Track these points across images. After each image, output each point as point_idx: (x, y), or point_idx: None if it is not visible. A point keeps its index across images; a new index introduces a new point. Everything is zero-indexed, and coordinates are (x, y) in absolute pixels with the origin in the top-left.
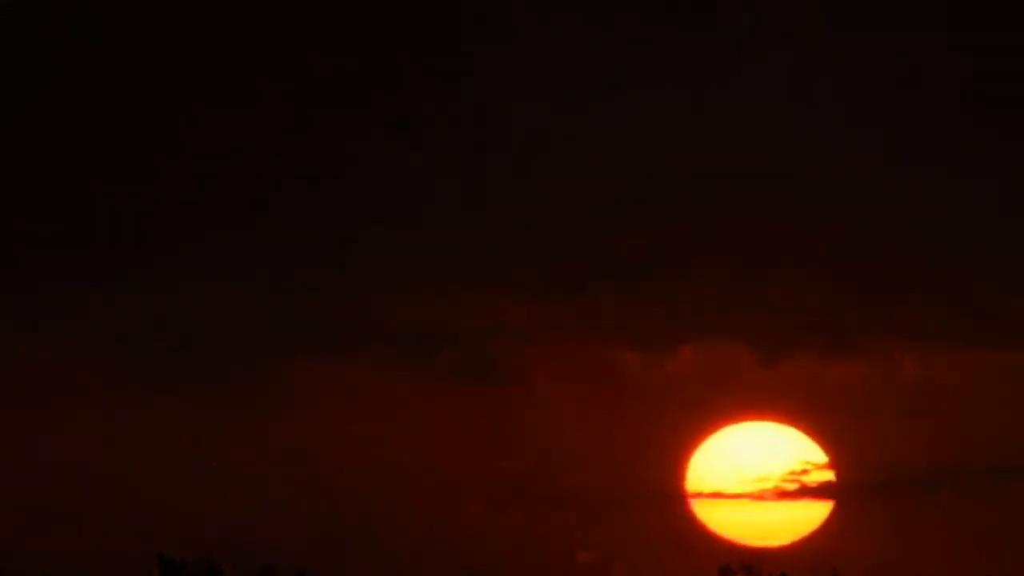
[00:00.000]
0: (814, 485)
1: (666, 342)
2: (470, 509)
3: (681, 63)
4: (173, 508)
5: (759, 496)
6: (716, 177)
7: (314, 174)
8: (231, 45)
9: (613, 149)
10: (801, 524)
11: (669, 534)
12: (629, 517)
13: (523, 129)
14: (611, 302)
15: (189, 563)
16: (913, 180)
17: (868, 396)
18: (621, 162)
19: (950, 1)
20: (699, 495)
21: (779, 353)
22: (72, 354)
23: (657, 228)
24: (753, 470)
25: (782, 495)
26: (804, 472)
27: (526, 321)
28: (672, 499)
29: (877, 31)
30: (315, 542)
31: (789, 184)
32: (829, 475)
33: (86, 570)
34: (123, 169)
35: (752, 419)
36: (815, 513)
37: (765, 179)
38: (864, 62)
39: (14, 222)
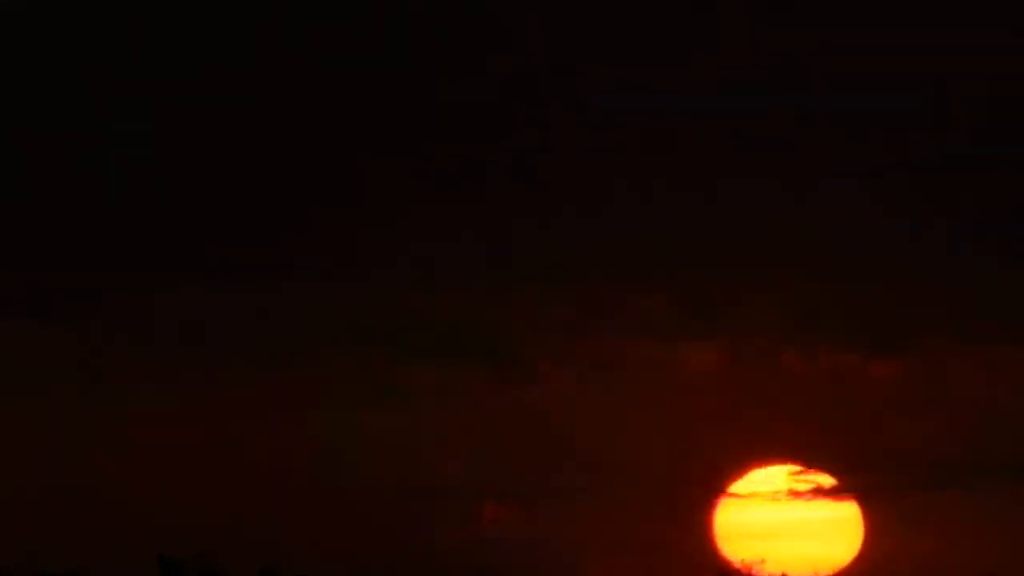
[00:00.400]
0: (829, 487)
1: (697, 339)
2: (475, 511)
3: (687, 69)
4: (173, 508)
5: (773, 497)
6: (752, 175)
7: (316, 172)
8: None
9: (648, 148)
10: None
11: (679, 535)
12: (639, 517)
13: (562, 128)
14: (631, 299)
15: (189, 563)
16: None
17: (903, 396)
18: (655, 160)
19: None
20: (714, 495)
21: (811, 352)
22: (71, 352)
23: (692, 225)
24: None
25: (797, 495)
26: (820, 472)
27: (546, 318)
28: (684, 499)
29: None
30: (315, 542)
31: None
32: (845, 476)
33: (86, 569)
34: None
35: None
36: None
37: (802, 178)
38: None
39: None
